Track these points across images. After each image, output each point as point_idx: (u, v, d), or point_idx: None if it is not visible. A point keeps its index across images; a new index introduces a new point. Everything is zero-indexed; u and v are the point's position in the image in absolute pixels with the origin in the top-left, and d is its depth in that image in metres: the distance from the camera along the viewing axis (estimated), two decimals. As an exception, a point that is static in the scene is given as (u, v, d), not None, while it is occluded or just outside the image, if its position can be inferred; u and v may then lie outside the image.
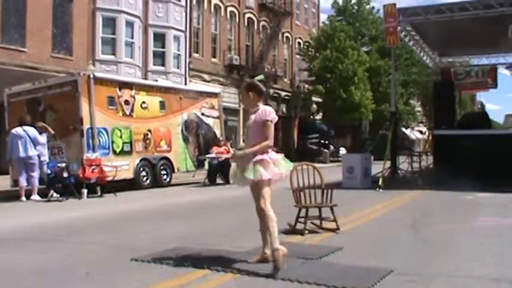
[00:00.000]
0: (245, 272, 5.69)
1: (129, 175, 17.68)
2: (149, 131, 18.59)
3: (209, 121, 21.90)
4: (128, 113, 17.84)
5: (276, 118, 6.13)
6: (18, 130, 15.34)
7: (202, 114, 21.53)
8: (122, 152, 17.46)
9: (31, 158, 15.20)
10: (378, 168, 18.39)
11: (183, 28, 34.38)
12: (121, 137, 17.46)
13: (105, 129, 16.85)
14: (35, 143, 15.28)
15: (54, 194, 15.03)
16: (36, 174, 15.29)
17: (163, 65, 33.22)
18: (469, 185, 14.86)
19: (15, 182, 15.91)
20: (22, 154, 15.15)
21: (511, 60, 26.07)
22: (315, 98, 46.09)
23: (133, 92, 18.19)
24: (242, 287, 5.29)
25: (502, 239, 7.99)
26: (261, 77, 6.47)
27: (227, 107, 33.63)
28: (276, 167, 6.03)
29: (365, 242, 7.78)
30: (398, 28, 18.75)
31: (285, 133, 44.70)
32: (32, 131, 15.33)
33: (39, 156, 15.39)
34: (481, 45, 22.70)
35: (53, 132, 15.88)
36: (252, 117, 6.15)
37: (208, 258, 6.31)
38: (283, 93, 46.35)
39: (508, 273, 5.76)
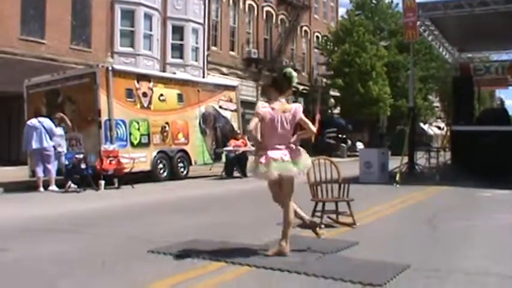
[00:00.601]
0: (261, 265, 5.69)
1: (147, 167, 17.72)
2: (167, 123, 18.62)
3: (227, 114, 21.90)
4: (145, 105, 17.89)
5: (260, 110, 6.24)
6: (33, 121, 15.43)
7: (220, 107, 21.53)
8: (140, 144, 17.52)
9: (46, 149, 15.28)
10: (395, 163, 18.31)
11: (201, 21, 34.39)
12: (139, 129, 17.51)
13: (123, 121, 16.91)
14: (50, 134, 15.35)
15: (72, 185, 15.10)
16: (52, 166, 15.37)
17: (181, 57, 33.27)
18: (487, 182, 14.75)
19: (33, 173, 16.02)
20: (37, 145, 15.24)
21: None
22: (332, 93, 46.02)
23: (151, 84, 18.23)
24: (258, 280, 5.30)
25: (520, 236, 7.95)
26: (288, 70, 6.54)
27: (245, 100, 33.52)
28: (264, 167, 6.17)
29: (381, 237, 7.76)
30: (418, 23, 18.63)
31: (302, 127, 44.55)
32: (47, 122, 15.40)
33: (54, 147, 15.48)
34: (501, 41, 22.48)
35: (70, 124, 15.97)
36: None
37: (224, 251, 6.32)
38: (301, 87, 46.25)
39: (525, 270, 5.72)
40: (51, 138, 15.37)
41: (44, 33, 25.16)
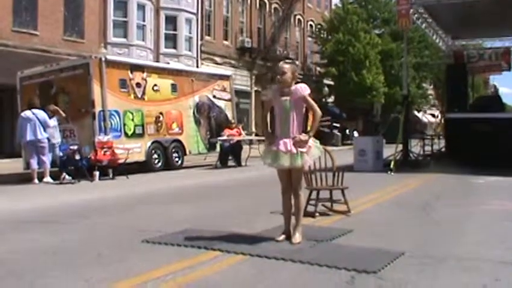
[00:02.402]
0: (256, 253, 5.71)
1: (141, 158, 17.72)
2: (161, 113, 18.61)
3: (221, 104, 21.88)
4: (139, 95, 17.87)
5: (264, 98, 6.33)
6: (27, 113, 15.40)
7: (214, 96, 21.51)
8: (134, 135, 17.50)
9: (40, 141, 15.24)
10: (390, 151, 18.34)
11: (194, 11, 34.33)
12: (133, 119, 17.49)
13: (117, 111, 16.89)
14: (44, 125, 15.32)
15: (67, 177, 15.08)
16: (47, 157, 15.34)
17: (175, 47, 33.23)
18: (481, 169, 14.79)
19: (28, 165, 16.00)
20: (31, 137, 15.20)
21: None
22: (326, 81, 46.01)
23: (145, 74, 18.20)
24: (252, 268, 5.31)
25: (513, 223, 7.98)
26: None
27: (239, 89, 33.61)
28: (267, 158, 6.38)
29: (376, 224, 7.78)
30: (411, 10, 18.60)
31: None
32: (41, 113, 15.36)
33: (48, 139, 15.44)
34: (494, 28, 22.46)
35: (64, 115, 15.94)
36: (289, 98, 6.22)
37: (219, 240, 6.34)
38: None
39: (518, 256, 5.76)
40: (45, 130, 15.34)
41: (36, 25, 25.06)
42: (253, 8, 41.45)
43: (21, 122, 15.45)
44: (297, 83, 6.27)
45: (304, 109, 6.29)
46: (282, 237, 6.33)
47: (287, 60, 6.52)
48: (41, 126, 15.26)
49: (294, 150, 6.07)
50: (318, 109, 6.27)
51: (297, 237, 6.21)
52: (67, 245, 6.56)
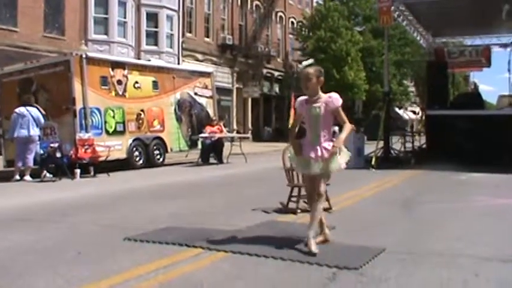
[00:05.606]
0: (238, 250, 5.71)
1: (122, 155, 17.64)
2: (142, 110, 18.54)
3: (202, 101, 21.84)
4: (120, 93, 17.78)
5: (296, 105, 6.33)
6: (21, 109, 15.29)
7: (196, 93, 21.47)
8: (115, 132, 17.41)
9: (32, 138, 15.17)
10: (371, 148, 18.41)
11: (176, 7, 34.23)
12: (114, 117, 17.40)
13: (98, 109, 16.79)
14: (37, 123, 15.26)
15: (47, 174, 14.99)
16: (32, 155, 15.24)
17: (156, 44, 33.12)
18: (462, 165, 14.88)
19: (8, 163, 15.86)
20: (23, 133, 15.10)
21: (504, 41, 26.01)
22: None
23: (126, 71, 18.10)
24: (234, 265, 5.31)
25: (494, 219, 8.03)
26: (310, 61, 6.44)
27: (220, 86, 33.56)
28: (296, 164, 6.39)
29: (357, 221, 7.80)
30: (392, 8, 18.67)
31: (278, 113, 44.84)
32: (34, 111, 15.31)
33: (39, 136, 15.38)
34: (474, 26, 22.61)
35: (44, 112, 15.83)
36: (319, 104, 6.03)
37: (200, 237, 6.32)
38: (276, 73, 46.34)
39: (498, 252, 5.79)
40: (37, 127, 15.28)
41: (16, 21, 24.87)
42: (235, 5, 41.39)
43: (15, 118, 15.31)
44: (326, 91, 6.15)
45: (333, 117, 6.11)
46: (319, 239, 6.04)
47: (307, 62, 6.39)
48: (34, 123, 15.19)
49: (326, 156, 5.91)
50: (348, 122, 6.08)
51: (310, 242, 5.98)
52: (47, 243, 6.51)
